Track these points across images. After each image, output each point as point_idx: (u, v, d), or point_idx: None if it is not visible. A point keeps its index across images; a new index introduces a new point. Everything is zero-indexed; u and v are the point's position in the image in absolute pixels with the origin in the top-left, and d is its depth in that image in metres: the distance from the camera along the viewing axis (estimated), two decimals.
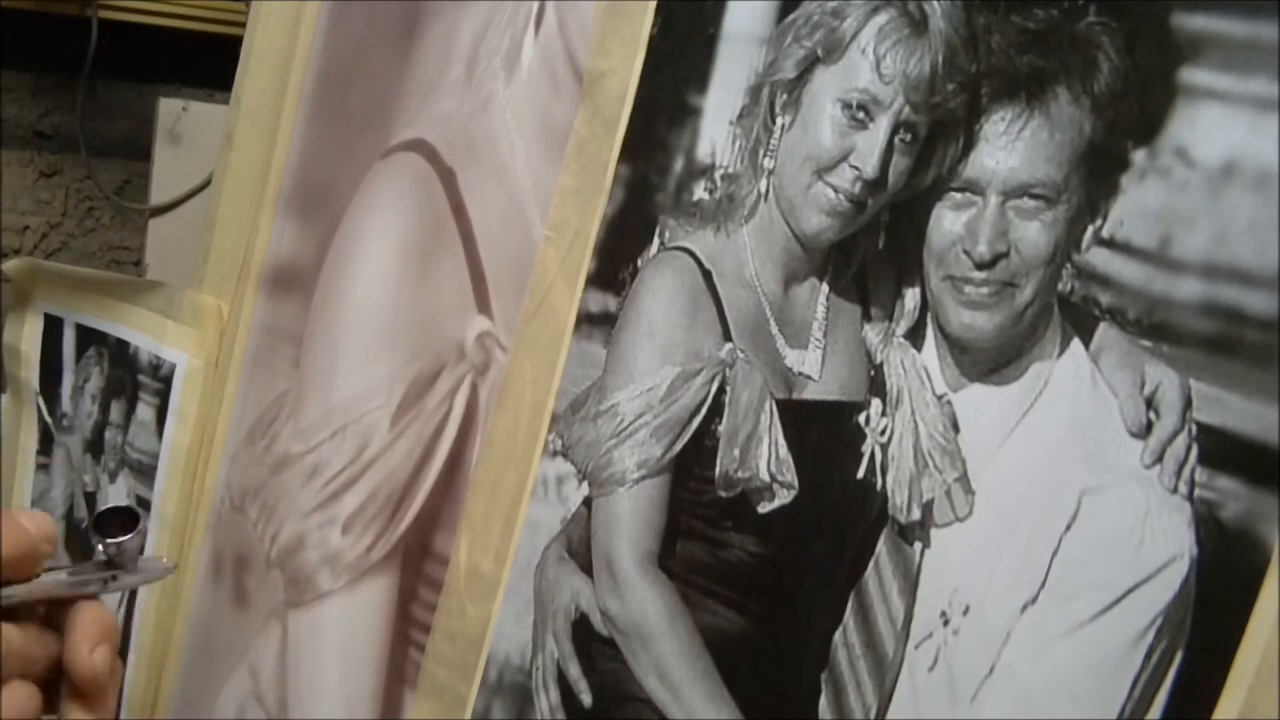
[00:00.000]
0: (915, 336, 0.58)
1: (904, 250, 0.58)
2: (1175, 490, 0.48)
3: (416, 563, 0.86)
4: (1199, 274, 0.47)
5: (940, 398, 0.56)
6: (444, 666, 0.78)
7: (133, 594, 1.15)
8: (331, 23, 0.92)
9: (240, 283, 0.98)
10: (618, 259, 0.68)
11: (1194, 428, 0.47)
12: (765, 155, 0.61)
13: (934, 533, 0.55)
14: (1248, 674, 0.45)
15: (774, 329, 0.62)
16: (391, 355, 0.87)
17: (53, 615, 0.55)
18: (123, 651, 1.17)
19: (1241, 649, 0.45)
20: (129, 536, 0.58)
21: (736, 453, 0.61)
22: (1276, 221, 0.45)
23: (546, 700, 0.69)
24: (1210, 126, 0.47)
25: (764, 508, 0.60)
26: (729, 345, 0.62)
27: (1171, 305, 0.48)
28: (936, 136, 0.56)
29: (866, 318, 0.60)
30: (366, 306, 0.88)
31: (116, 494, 1.18)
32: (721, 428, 0.61)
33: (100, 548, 0.58)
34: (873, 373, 0.59)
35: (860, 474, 0.58)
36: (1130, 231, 0.49)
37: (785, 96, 0.60)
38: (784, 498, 0.60)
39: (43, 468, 1.27)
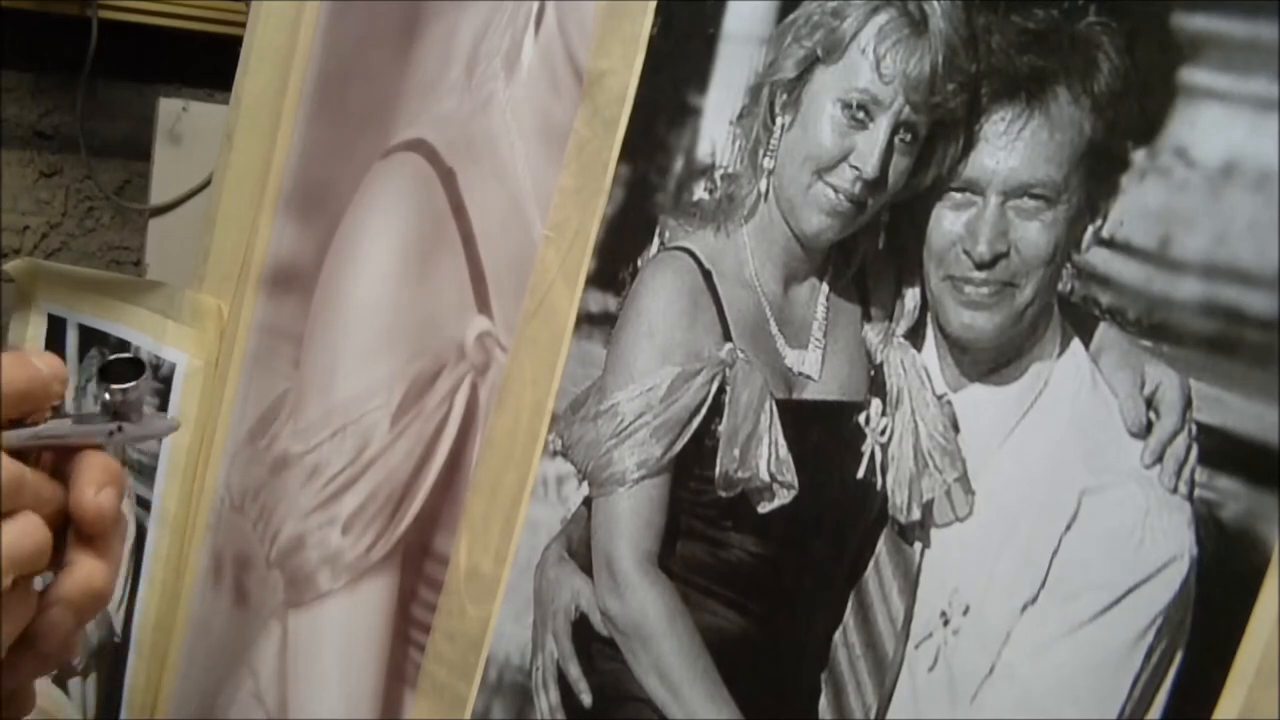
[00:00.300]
0: (915, 336, 0.58)
1: (904, 250, 0.58)
2: (1175, 490, 0.48)
3: (416, 563, 0.86)
4: (1199, 274, 0.47)
5: (940, 398, 0.56)
6: (444, 666, 0.78)
7: (133, 592, 1.15)
8: (331, 22, 0.92)
9: (240, 283, 0.98)
10: (618, 259, 0.68)
11: (1194, 428, 0.47)
12: (765, 155, 0.61)
13: (934, 533, 0.55)
14: (1248, 674, 0.45)
15: (774, 329, 0.62)
16: (391, 355, 0.87)
17: (58, 468, 0.54)
18: (123, 650, 1.17)
19: (1241, 649, 0.45)
20: (133, 385, 0.57)
21: (736, 453, 0.61)
22: (1276, 221, 0.45)
23: (546, 700, 0.69)
24: (1210, 126, 0.47)
25: (764, 508, 0.60)
26: (729, 345, 0.62)
27: (1171, 305, 0.48)
28: (936, 136, 0.56)
29: (866, 318, 0.60)
30: (366, 306, 0.88)
31: None
32: (721, 428, 0.61)
33: (106, 396, 0.57)
34: (873, 373, 0.59)
35: (860, 474, 0.58)
36: (1130, 231, 0.49)
37: (785, 96, 0.60)
38: (784, 498, 0.60)
39: None
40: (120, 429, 0.57)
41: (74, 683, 1.31)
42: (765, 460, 0.60)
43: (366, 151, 0.89)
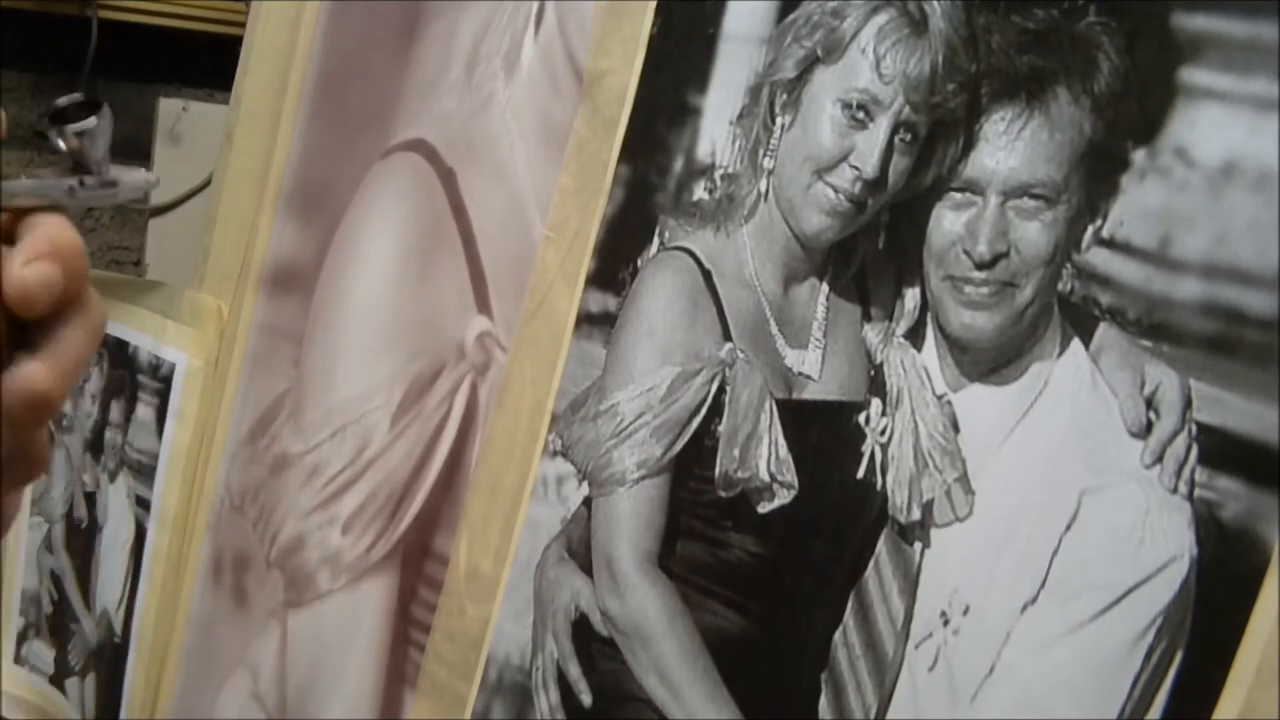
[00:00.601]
0: (915, 336, 0.58)
1: (904, 250, 0.58)
2: (1175, 490, 0.48)
3: (416, 562, 0.86)
4: (1199, 274, 0.47)
5: (940, 398, 0.56)
6: (444, 666, 0.78)
7: (133, 591, 1.14)
8: (331, 23, 0.92)
9: (240, 283, 0.98)
10: (618, 259, 0.68)
11: (1194, 428, 0.47)
12: (765, 155, 0.61)
13: (934, 533, 0.55)
14: (1248, 674, 0.45)
15: (774, 329, 0.62)
16: (391, 355, 0.86)
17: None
18: (123, 650, 1.16)
19: (1241, 649, 0.45)
20: (91, 121, 0.47)
21: (736, 452, 0.61)
22: (1276, 221, 0.45)
23: (546, 700, 0.69)
24: (1210, 126, 0.47)
25: (764, 508, 0.60)
26: (729, 345, 0.62)
27: (1171, 305, 0.48)
28: (936, 136, 0.56)
29: (866, 318, 0.60)
30: (366, 306, 0.88)
31: (116, 494, 1.18)
32: (721, 428, 0.61)
33: (60, 142, 0.47)
34: (873, 373, 0.59)
35: (860, 474, 0.58)
36: (1130, 231, 0.49)
37: (785, 96, 0.60)
38: (784, 498, 0.60)
39: None
40: (82, 183, 0.48)
41: (72, 683, 1.30)
42: (765, 460, 0.60)
43: (366, 151, 0.88)
